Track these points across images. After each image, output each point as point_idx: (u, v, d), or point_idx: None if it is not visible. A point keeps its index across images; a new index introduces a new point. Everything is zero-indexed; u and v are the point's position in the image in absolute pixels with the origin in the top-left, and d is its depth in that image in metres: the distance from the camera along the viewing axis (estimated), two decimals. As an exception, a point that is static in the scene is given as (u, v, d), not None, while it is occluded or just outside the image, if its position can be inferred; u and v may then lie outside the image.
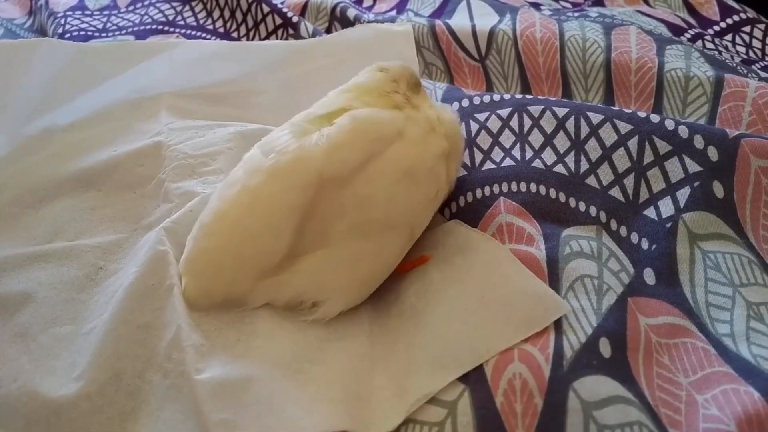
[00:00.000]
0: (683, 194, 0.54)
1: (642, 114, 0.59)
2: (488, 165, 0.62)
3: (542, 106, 0.63)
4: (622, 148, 0.58)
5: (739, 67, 0.72)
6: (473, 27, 0.82)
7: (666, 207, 0.54)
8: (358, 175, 0.51)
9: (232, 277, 0.51)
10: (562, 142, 0.61)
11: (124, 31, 0.99)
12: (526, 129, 0.63)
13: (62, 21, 1.00)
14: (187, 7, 1.06)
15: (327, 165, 0.50)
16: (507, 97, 0.67)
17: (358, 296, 0.54)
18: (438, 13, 0.94)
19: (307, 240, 0.51)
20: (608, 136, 0.59)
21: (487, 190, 0.59)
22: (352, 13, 0.92)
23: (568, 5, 0.99)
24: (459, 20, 0.87)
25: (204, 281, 0.51)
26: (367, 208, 0.52)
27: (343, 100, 0.55)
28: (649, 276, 0.51)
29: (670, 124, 0.57)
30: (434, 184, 0.55)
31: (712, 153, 0.55)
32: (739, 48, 0.85)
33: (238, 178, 0.53)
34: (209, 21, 1.02)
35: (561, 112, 0.62)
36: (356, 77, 0.59)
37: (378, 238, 0.53)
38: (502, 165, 0.61)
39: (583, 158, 0.59)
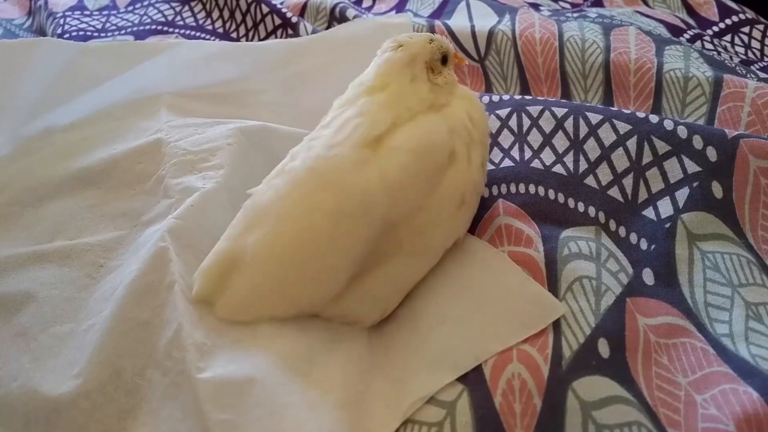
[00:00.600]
0: (682, 194, 0.54)
1: (641, 114, 0.59)
2: (487, 166, 0.62)
3: (541, 107, 0.63)
4: (621, 148, 0.58)
5: (738, 68, 0.72)
6: (472, 27, 0.83)
7: (665, 207, 0.54)
8: (417, 211, 0.50)
9: (271, 308, 0.50)
10: (561, 141, 0.61)
11: (123, 32, 0.99)
12: (525, 129, 0.63)
13: (61, 21, 1.00)
14: (187, 8, 1.06)
15: (390, 210, 0.48)
16: (506, 97, 0.67)
17: (395, 303, 0.53)
18: (437, 13, 0.94)
19: (360, 268, 0.50)
20: (607, 136, 0.59)
21: (485, 191, 0.59)
22: (351, 13, 0.92)
23: (568, 6, 0.99)
24: (458, 21, 0.87)
25: (241, 308, 0.49)
26: (425, 236, 0.51)
27: (387, 112, 0.51)
28: (647, 276, 0.51)
29: (669, 125, 0.57)
30: (478, 197, 0.56)
31: (711, 153, 0.55)
32: (738, 48, 0.85)
33: (293, 208, 0.49)
34: (208, 21, 1.03)
35: (560, 112, 0.62)
36: (377, 60, 0.55)
37: (427, 256, 0.53)
38: (501, 166, 0.61)
39: (582, 158, 0.59)
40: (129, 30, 0.99)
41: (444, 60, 0.56)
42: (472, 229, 0.57)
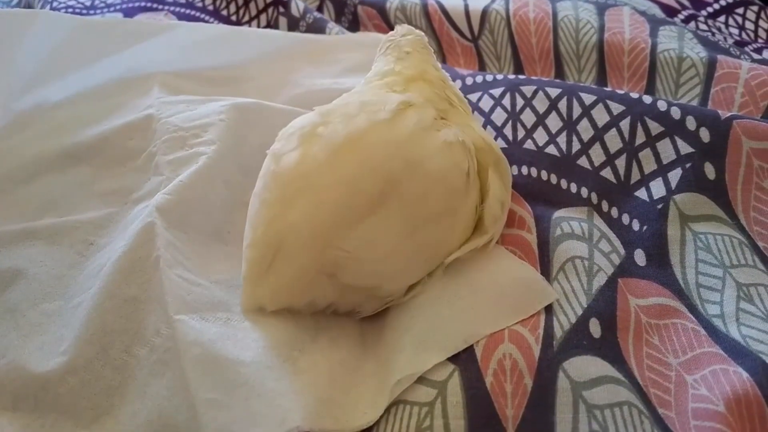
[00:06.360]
0: (675, 175, 0.54)
1: (634, 95, 0.59)
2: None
3: (535, 87, 0.63)
4: (614, 129, 0.58)
5: (731, 49, 0.72)
6: (466, 6, 0.82)
7: (657, 188, 0.54)
8: None
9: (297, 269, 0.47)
10: (554, 122, 0.60)
11: (112, 8, 0.97)
12: (518, 108, 0.63)
13: (50, -2, 0.98)
14: (177, -16, 1.04)
15: None
16: (500, 77, 0.67)
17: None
18: (431, -8, 0.93)
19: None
20: (600, 116, 0.59)
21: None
22: (343, -9, 0.91)
23: (562, -15, 0.98)
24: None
25: (286, 290, 0.47)
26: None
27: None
28: (639, 257, 0.51)
29: (662, 105, 0.57)
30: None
31: (704, 134, 0.55)
32: (732, 29, 0.85)
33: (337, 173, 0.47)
34: (199, -2, 1.01)
35: (554, 92, 0.62)
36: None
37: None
38: (493, 146, 0.61)
39: (575, 138, 0.59)
40: (118, 7, 0.98)
41: None
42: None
